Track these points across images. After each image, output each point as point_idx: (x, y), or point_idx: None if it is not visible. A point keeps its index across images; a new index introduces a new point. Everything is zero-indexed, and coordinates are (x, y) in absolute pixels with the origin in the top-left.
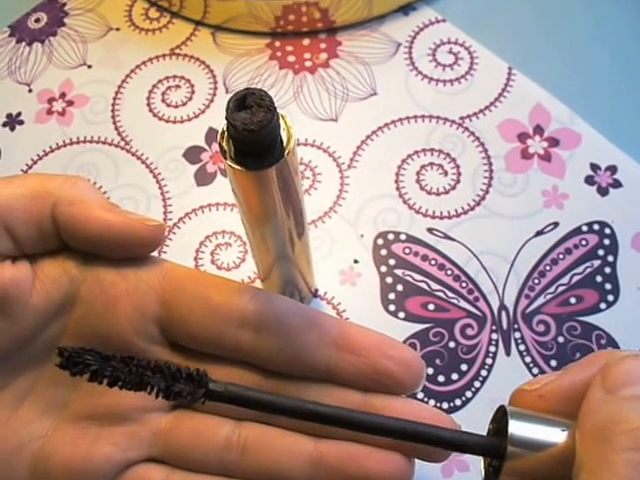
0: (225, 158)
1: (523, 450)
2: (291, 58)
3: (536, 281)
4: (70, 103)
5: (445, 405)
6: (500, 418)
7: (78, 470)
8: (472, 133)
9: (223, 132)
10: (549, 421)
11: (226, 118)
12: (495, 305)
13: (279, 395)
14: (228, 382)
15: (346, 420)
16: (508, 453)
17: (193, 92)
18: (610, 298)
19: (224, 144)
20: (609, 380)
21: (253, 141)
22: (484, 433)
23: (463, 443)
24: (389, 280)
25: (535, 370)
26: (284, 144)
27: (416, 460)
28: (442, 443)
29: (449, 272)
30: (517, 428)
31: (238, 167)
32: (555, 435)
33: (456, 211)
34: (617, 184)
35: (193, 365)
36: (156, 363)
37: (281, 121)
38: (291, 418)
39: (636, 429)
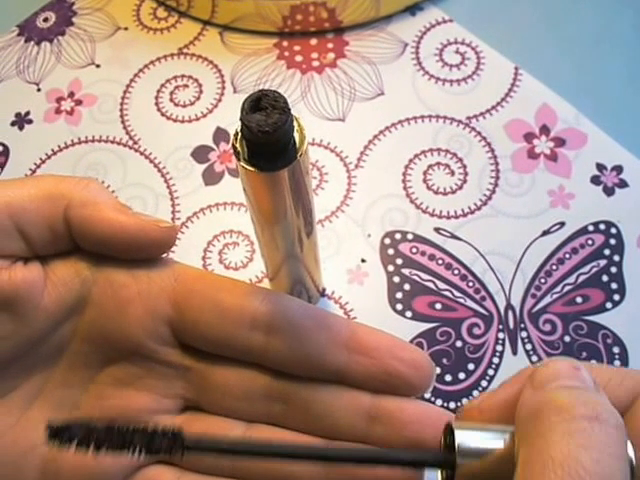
0: (238, 159)
1: (471, 457)
2: (299, 58)
3: (542, 280)
4: (78, 102)
5: (452, 404)
6: (448, 434)
7: (88, 472)
8: (479, 133)
9: (237, 133)
10: (490, 429)
11: (241, 119)
12: (502, 304)
13: (249, 441)
14: (202, 435)
15: (312, 455)
16: (458, 462)
17: (201, 92)
18: (616, 297)
19: (237, 145)
20: (536, 380)
21: (267, 143)
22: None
23: (420, 460)
24: (396, 279)
25: None
26: (297, 146)
27: None
28: (402, 463)
29: (456, 271)
30: (463, 438)
31: (251, 168)
32: (497, 439)
33: (463, 211)
34: (623, 184)
35: (204, 367)
36: (134, 425)
37: (294, 123)
38: (263, 460)
39: (561, 404)
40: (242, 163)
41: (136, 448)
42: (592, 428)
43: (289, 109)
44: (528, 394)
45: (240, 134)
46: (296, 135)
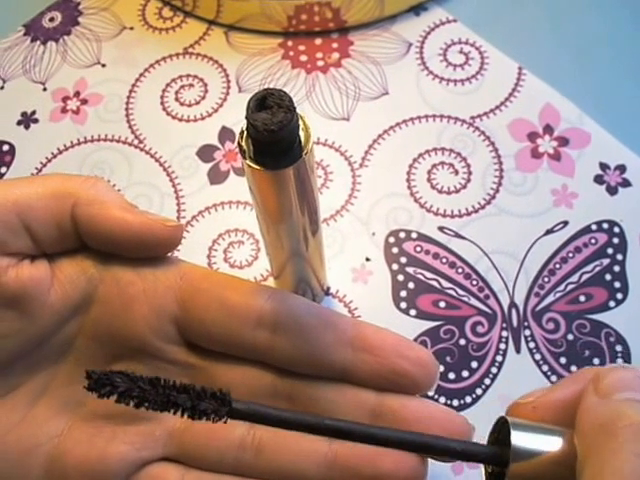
0: (244, 158)
1: (524, 457)
2: (303, 57)
3: (546, 279)
4: (84, 102)
5: (455, 402)
6: (500, 428)
7: (93, 469)
8: (482, 132)
9: (242, 132)
10: (545, 429)
11: (246, 118)
12: (505, 303)
13: (297, 412)
14: (250, 401)
15: (361, 434)
16: (511, 460)
17: (206, 91)
18: (619, 296)
19: (243, 144)
20: (602, 387)
21: (273, 141)
22: (489, 430)
23: (470, 453)
24: (400, 278)
25: (545, 367)
26: (302, 144)
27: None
28: (450, 453)
29: (460, 270)
30: (518, 437)
31: (257, 167)
32: (553, 441)
33: (467, 210)
34: (626, 183)
35: (210, 365)
36: (182, 383)
37: (300, 121)
38: (310, 434)
39: (635, 423)
40: (248, 162)
41: (179, 408)
42: None
43: (294, 108)
44: (593, 401)
45: (246, 133)
46: (301, 134)
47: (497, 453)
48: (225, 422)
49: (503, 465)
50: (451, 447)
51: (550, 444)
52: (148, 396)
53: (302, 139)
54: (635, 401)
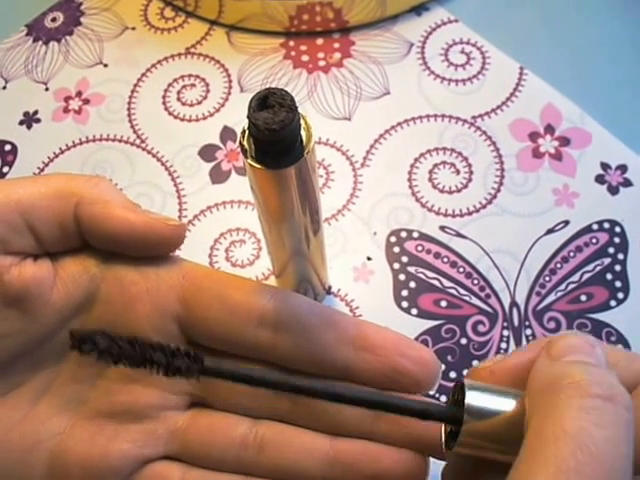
0: (246, 157)
1: (479, 416)
2: (305, 57)
3: (547, 278)
4: (86, 101)
5: None
6: (458, 390)
7: (95, 466)
8: (484, 132)
9: (244, 131)
10: (500, 391)
11: (248, 117)
12: (506, 302)
13: (266, 370)
14: (222, 359)
15: (323, 391)
16: (465, 419)
17: (208, 91)
18: (620, 295)
19: (245, 143)
20: (553, 351)
21: (274, 140)
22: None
23: (428, 412)
24: (402, 277)
25: None
26: (304, 143)
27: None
28: (410, 412)
29: (461, 269)
30: (472, 397)
31: (258, 166)
32: (506, 402)
33: (468, 209)
34: (627, 183)
35: None
36: (158, 342)
37: (301, 121)
38: (277, 391)
39: (578, 381)
40: (249, 161)
41: (155, 365)
42: (606, 407)
43: (296, 107)
44: (543, 363)
45: (247, 132)
46: (303, 133)
47: (453, 412)
48: (197, 380)
49: (459, 424)
50: (410, 406)
51: (504, 404)
52: (126, 353)
53: (303, 138)
54: (581, 362)
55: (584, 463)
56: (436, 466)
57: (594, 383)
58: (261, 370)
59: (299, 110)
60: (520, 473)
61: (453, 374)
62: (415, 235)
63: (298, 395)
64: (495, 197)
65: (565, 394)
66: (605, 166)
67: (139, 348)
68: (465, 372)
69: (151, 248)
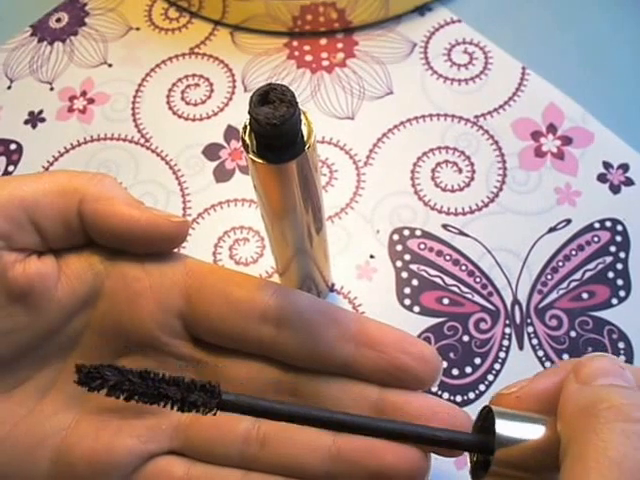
0: (247, 152)
1: (508, 444)
2: (308, 57)
3: (549, 277)
4: (91, 101)
5: (459, 398)
6: (484, 417)
7: (100, 461)
8: (486, 131)
9: (245, 126)
10: (529, 417)
11: (249, 112)
12: (508, 300)
13: (289, 403)
14: (239, 393)
15: (345, 424)
16: (496, 447)
17: (212, 90)
18: (622, 294)
19: (246, 138)
20: (583, 375)
21: (275, 135)
22: (474, 420)
23: (456, 441)
24: (404, 275)
25: (547, 364)
26: (305, 139)
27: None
28: (437, 442)
29: (463, 267)
30: (502, 425)
31: (260, 161)
32: (536, 429)
33: (470, 208)
34: (629, 182)
35: (215, 360)
36: (171, 376)
37: (302, 116)
38: (302, 425)
39: (617, 405)
40: (251, 156)
41: (170, 400)
42: None
43: (296, 102)
44: (574, 388)
45: (249, 127)
46: (304, 128)
47: (482, 441)
48: (214, 414)
49: (488, 453)
50: (437, 436)
51: (533, 432)
52: (138, 389)
53: (304, 134)
54: (614, 386)
55: None
56: (437, 463)
57: (633, 406)
58: (281, 402)
59: (301, 108)
60: None
61: (455, 371)
62: (418, 233)
63: (322, 428)
64: (497, 196)
65: (605, 419)
66: (607, 165)
67: (151, 383)
68: (489, 398)
69: (155, 244)
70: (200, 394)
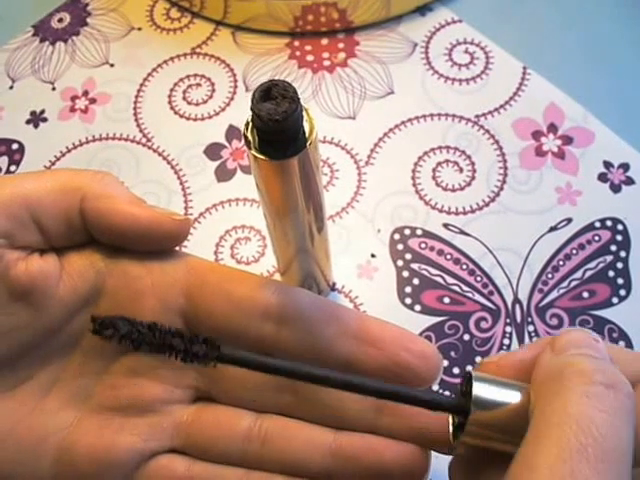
0: (249, 148)
1: (485, 407)
2: (310, 57)
3: (549, 276)
4: (93, 101)
5: None
6: (466, 382)
7: (102, 459)
8: (487, 131)
9: (248, 123)
10: (507, 384)
11: (251, 109)
12: (509, 299)
13: (280, 359)
14: (238, 348)
15: (333, 380)
16: (472, 409)
17: (214, 90)
18: (622, 292)
19: (249, 134)
20: (557, 345)
21: (277, 131)
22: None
23: (436, 402)
24: (405, 274)
25: None
26: (306, 135)
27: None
28: (417, 402)
29: (464, 266)
30: (479, 388)
31: (262, 157)
32: (512, 394)
33: (471, 207)
34: (630, 181)
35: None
36: (177, 329)
37: (304, 113)
38: (290, 379)
39: (581, 369)
40: (253, 152)
41: (173, 350)
42: (608, 394)
43: (298, 98)
44: (547, 357)
45: (251, 124)
46: (306, 125)
47: (460, 403)
48: (214, 366)
49: (466, 415)
50: (418, 396)
51: (510, 396)
52: (146, 338)
53: (306, 130)
54: (584, 354)
55: (586, 444)
56: (438, 460)
57: (597, 371)
58: (276, 358)
59: (303, 104)
60: (525, 455)
61: (456, 370)
62: (419, 232)
63: (311, 383)
64: (498, 195)
65: (569, 381)
66: (608, 164)
67: (158, 334)
68: (470, 367)
69: (156, 242)
70: (202, 346)
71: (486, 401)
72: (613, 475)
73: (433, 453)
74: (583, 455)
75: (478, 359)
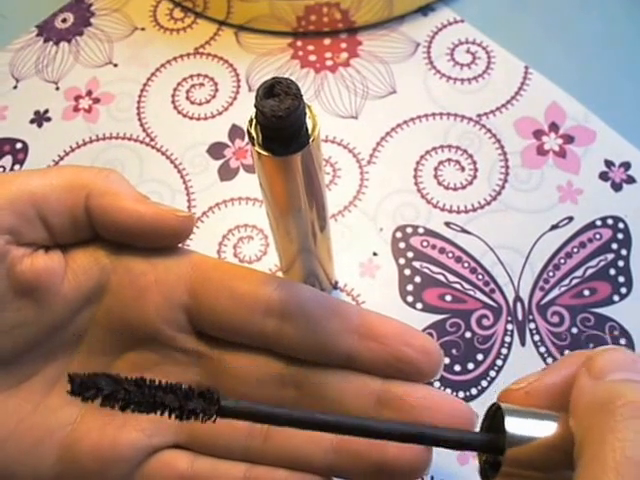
0: (253, 144)
1: (519, 442)
2: (312, 57)
3: (551, 274)
4: (96, 100)
5: (461, 394)
6: (493, 415)
7: (105, 455)
8: (489, 130)
9: (251, 120)
10: (539, 414)
11: (255, 105)
12: (510, 297)
13: (288, 408)
14: (239, 399)
15: (351, 427)
16: (507, 446)
17: (217, 90)
18: (623, 290)
19: (252, 131)
20: (595, 369)
21: (280, 127)
22: (482, 418)
23: (466, 442)
24: (407, 272)
25: (549, 360)
26: (309, 132)
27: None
28: (445, 443)
29: (466, 265)
30: (512, 423)
31: (265, 153)
32: (547, 425)
33: (473, 206)
34: (631, 180)
35: (219, 353)
36: (168, 383)
37: (307, 110)
38: (302, 429)
39: (634, 401)
40: (257, 148)
41: (167, 408)
42: None
43: (301, 95)
44: (587, 383)
45: (255, 120)
46: (308, 122)
47: (492, 440)
48: (214, 421)
49: (498, 452)
50: (446, 436)
51: (544, 429)
52: (134, 398)
53: (309, 127)
54: (630, 381)
55: None
56: (440, 456)
57: None
58: (282, 408)
59: (306, 102)
60: None
61: (458, 367)
62: (420, 231)
63: (326, 432)
64: (500, 194)
65: (622, 416)
66: (609, 163)
67: (147, 391)
68: (496, 393)
69: (160, 239)
70: (199, 401)
71: (520, 437)
72: None
73: (434, 449)
74: None
75: (479, 356)
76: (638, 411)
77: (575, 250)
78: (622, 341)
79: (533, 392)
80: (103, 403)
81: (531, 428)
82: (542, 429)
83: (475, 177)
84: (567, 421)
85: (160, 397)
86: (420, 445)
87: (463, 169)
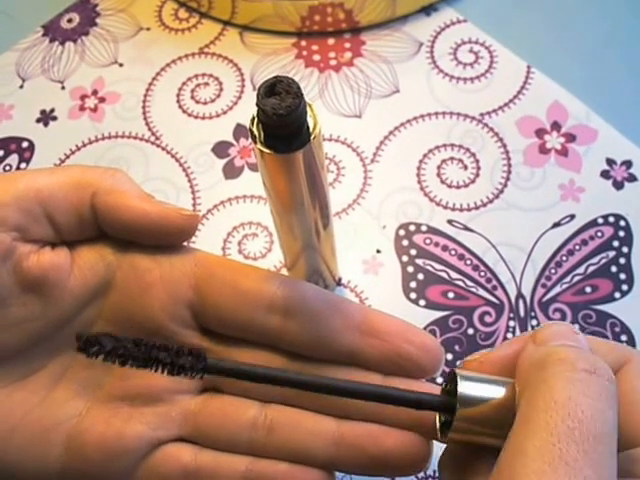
0: (255, 142)
1: (471, 403)
2: (316, 57)
3: (552, 271)
4: (102, 100)
5: None
6: (451, 380)
7: (110, 447)
8: (491, 129)
9: (253, 118)
10: (491, 380)
11: (257, 104)
12: (513, 294)
13: (267, 367)
14: (224, 357)
15: (322, 386)
16: (458, 407)
17: (221, 89)
18: (624, 287)
19: (254, 129)
20: (538, 338)
21: (282, 125)
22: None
23: (423, 401)
24: (410, 269)
25: None
26: (310, 130)
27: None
28: (405, 402)
29: (468, 262)
30: (464, 385)
31: (267, 151)
32: (497, 389)
33: (475, 204)
34: (632, 178)
35: (223, 349)
36: (162, 343)
37: (308, 109)
38: (278, 386)
39: (564, 357)
40: (259, 146)
41: (160, 364)
42: (591, 380)
43: (302, 94)
44: (530, 348)
45: (257, 119)
46: (310, 120)
47: (447, 401)
48: (201, 377)
49: (452, 412)
50: (406, 397)
51: (494, 391)
52: (132, 354)
53: (310, 125)
54: (566, 345)
55: (573, 428)
56: (440, 451)
57: (579, 359)
58: (262, 367)
59: (307, 101)
60: (515, 441)
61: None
62: (423, 229)
63: (299, 389)
64: (502, 192)
65: (553, 369)
66: (610, 162)
67: (144, 348)
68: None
69: (165, 237)
70: (188, 358)
71: (471, 398)
72: (600, 456)
73: (435, 442)
74: (571, 438)
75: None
76: (565, 365)
77: (577, 248)
78: (623, 337)
79: (486, 362)
80: (105, 358)
81: (483, 390)
82: (493, 392)
83: (478, 175)
84: (515, 385)
85: (155, 353)
86: (384, 404)
87: (466, 167)
